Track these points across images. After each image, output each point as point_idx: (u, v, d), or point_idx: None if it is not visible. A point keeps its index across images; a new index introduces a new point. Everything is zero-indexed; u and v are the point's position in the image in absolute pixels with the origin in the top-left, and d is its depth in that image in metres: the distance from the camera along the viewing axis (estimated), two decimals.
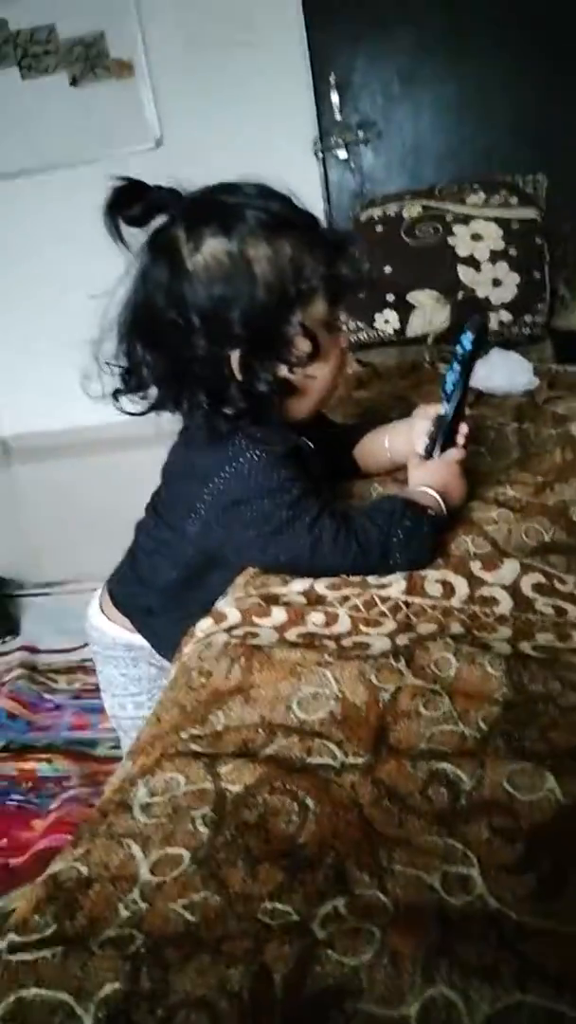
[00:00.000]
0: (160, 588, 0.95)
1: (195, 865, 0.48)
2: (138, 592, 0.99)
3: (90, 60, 2.37)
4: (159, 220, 0.78)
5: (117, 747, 1.59)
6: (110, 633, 1.04)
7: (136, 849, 0.50)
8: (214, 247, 0.75)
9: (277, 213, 0.77)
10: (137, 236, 0.78)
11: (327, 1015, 0.39)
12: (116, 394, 0.81)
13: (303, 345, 0.79)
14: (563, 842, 0.47)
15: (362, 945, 0.42)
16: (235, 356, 0.76)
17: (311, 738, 0.58)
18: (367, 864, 0.47)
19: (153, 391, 0.81)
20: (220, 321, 0.75)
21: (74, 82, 2.38)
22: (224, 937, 0.43)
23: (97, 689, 1.15)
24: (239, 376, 0.77)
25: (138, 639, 1.02)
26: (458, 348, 0.91)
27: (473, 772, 0.52)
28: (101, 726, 1.70)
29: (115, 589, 1.03)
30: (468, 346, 0.90)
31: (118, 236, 0.76)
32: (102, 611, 1.05)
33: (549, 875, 0.44)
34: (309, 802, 0.52)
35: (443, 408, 0.91)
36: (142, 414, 0.82)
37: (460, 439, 0.91)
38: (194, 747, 0.59)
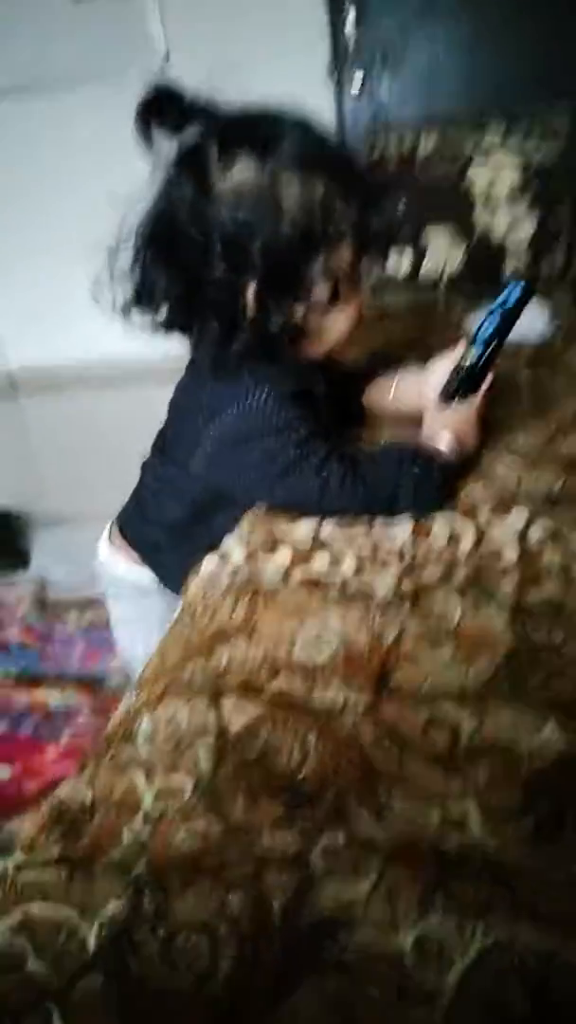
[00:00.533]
0: (167, 525, 0.95)
1: (197, 795, 0.49)
2: (145, 530, 1.00)
3: None
4: (191, 131, 0.75)
5: (126, 683, 1.62)
6: (118, 569, 1.05)
7: (140, 778, 0.51)
8: (245, 172, 0.73)
9: (315, 150, 0.74)
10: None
11: (322, 944, 0.40)
12: (126, 308, 0.80)
13: (321, 290, 0.77)
14: (562, 788, 0.47)
15: (359, 878, 0.43)
16: (250, 289, 0.75)
17: (314, 677, 0.58)
18: (366, 800, 0.48)
19: (163, 312, 0.79)
20: (240, 248, 0.73)
21: None
22: (224, 865, 0.44)
23: (108, 624, 1.16)
24: (252, 310, 0.76)
25: (146, 577, 1.03)
26: (501, 298, 0.89)
27: (474, 716, 0.53)
28: (112, 662, 1.72)
29: (124, 527, 1.04)
30: (515, 296, 0.88)
31: (148, 141, 0.74)
32: (111, 545, 1.06)
33: (545, 820, 0.45)
34: (310, 739, 0.52)
35: (472, 353, 0.88)
36: (150, 333, 0.81)
37: (483, 389, 0.89)
38: (198, 682, 0.59)
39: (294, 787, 0.49)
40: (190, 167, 0.75)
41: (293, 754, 0.52)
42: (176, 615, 0.73)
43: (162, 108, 0.74)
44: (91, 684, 1.69)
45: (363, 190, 0.77)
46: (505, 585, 0.68)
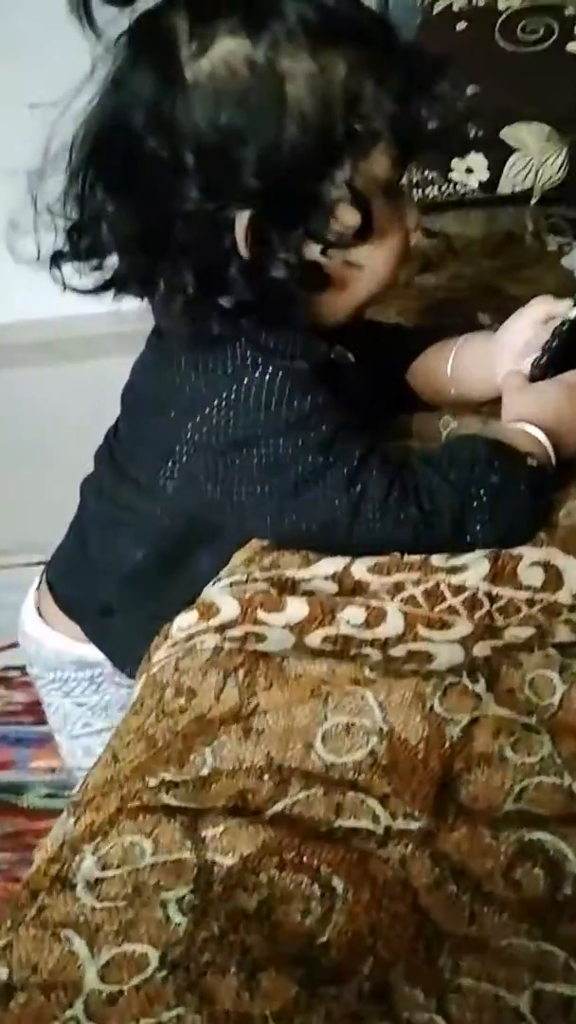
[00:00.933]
0: (121, 575, 0.95)
1: (166, 970, 0.49)
2: (89, 583, 1.00)
3: None
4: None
5: (55, 795, 1.62)
6: (51, 646, 1.05)
7: (79, 944, 0.51)
8: (229, 50, 0.73)
9: (334, 11, 0.75)
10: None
11: None
12: (56, 259, 0.80)
13: (349, 216, 0.77)
14: None
15: None
16: (242, 219, 0.75)
17: (342, 790, 0.58)
18: (422, 976, 0.47)
19: (113, 260, 0.80)
20: (225, 162, 0.73)
21: None
22: None
23: (25, 710, 1.17)
24: (245, 251, 0.76)
25: (94, 650, 1.03)
26: None
27: None
28: (32, 764, 1.72)
29: (57, 582, 1.04)
30: None
31: (87, 15, 0.74)
32: (39, 614, 1.06)
33: None
34: (337, 883, 0.52)
35: (574, 311, 0.89)
36: (92, 292, 0.82)
37: None
38: (167, 799, 0.59)
39: (313, 956, 0.49)
40: (148, 49, 0.75)
41: (311, 906, 0.51)
42: (133, 698, 0.73)
43: None
44: (1, 802, 1.69)
45: (406, 67, 0.78)
46: None
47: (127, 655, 0.93)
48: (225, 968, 0.48)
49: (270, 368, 0.78)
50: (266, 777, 0.60)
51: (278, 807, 0.58)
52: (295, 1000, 0.46)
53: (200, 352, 0.80)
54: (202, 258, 0.76)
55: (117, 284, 0.81)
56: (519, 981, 0.46)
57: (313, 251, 0.78)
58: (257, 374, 0.78)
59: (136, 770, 0.63)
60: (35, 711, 1.57)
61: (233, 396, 0.78)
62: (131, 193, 0.76)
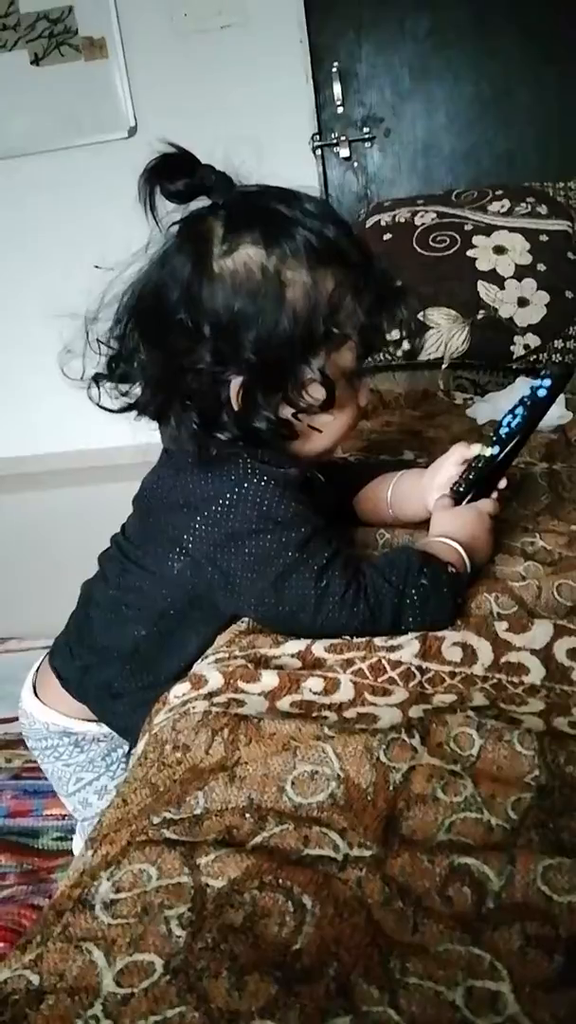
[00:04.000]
0: (123, 654, 0.94)
1: (169, 975, 0.48)
2: (93, 664, 0.97)
3: (55, 37, 2.45)
4: (197, 204, 0.81)
5: (65, 838, 1.57)
6: (42, 719, 1.03)
7: (98, 955, 0.50)
8: (249, 255, 0.78)
9: (330, 241, 0.79)
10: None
11: None
12: (97, 378, 0.83)
13: (317, 392, 0.81)
14: None
15: None
16: (237, 382, 0.79)
17: (308, 825, 0.58)
18: (376, 976, 0.47)
19: (137, 391, 0.83)
20: (231, 338, 0.77)
21: (36, 61, 2.46)
22: None
23: (36, 766, 1.13)
24: (236, 404, 0.79)
25: (78, 724, 1.02)
26: (528, 390, 0.94)
27: (502, 869, 0.52)
28: (46, 812, 1.67)
29: (61, 666, 1.01)
30: (543, 393, 0.92)
31: (150, 207, 0.79)
32: (35, 694, 1.04)
33: None
34: (306, 901, 0.52)
35: (489, 451, 0.92)
36: (118, 412, 0.84)
37: (496, 491, 0.93)
38: (168, 834, 0.59)
39: (288, 960, 0.48)
40: (191, 242, 0.80)
41: (286, 920, 0.51)
42: (138, 752, 0.72)
43: (172, 172, 0.79)
44: (19, 844, 1.63)
45: (377, 290, 0.82)
46: (530, 710, 0.69)
47: (130, 727, 0.92)
48: (218, 972, 0.47)
49: (265, 476, 0.80)
50: (248, 815, 0.59)
51: (258, 839, 0.57)
52: (275, 998, 0.45)
53: (206, 465, 0.82)
54: (204, 404, 0.79)
55: (139, 407, 0.83)
56: (454, 979, 0.46)
57: (286, 411, 0.82)
58: (255, 480, 0.80)
59: (142, 811, 0.62)
60: None
61: (235, 496, 0.80)
62: (158, 345, 0.80)
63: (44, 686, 1.03)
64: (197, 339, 0.78)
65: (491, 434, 0.94)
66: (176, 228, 0.81)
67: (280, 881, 0.53)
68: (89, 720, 1.01)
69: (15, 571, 2.38)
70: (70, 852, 1.49)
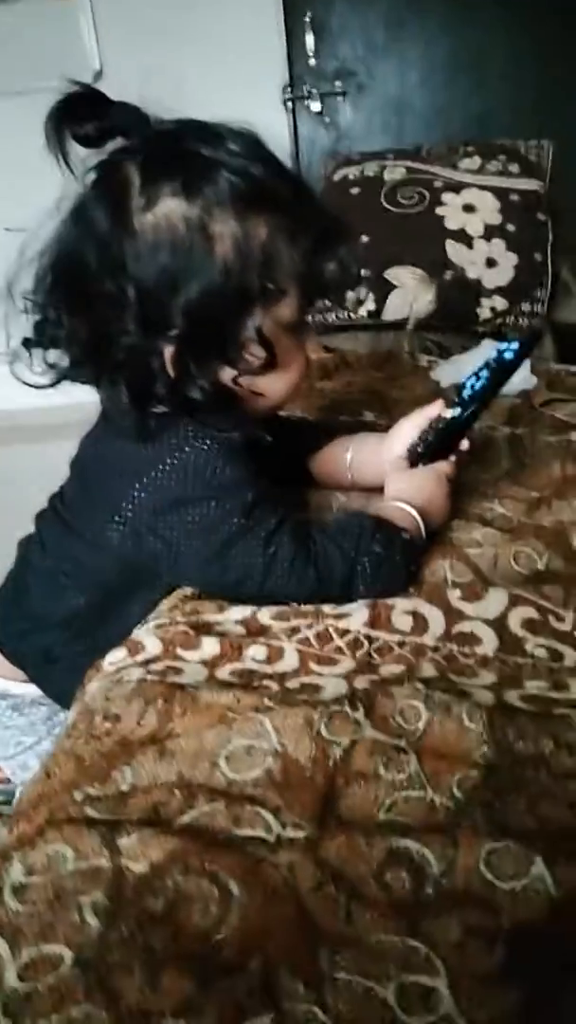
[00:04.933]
0: (61, 622, 0.89)
1: (78, 969, 0.44)
2: (30, 629, 0.93)
3: None
4: (113, 147, 0.74)
5: (7, 802, 1.52)
6: None
7: (1, 945, 0.45)
8: (171, 208, 0.71)
9: (259, 181, 0.72)
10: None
11: None
12: (26, 344, 0.77)
13: (257, 352, 0.75)
14: (553, 946, 0.43)
15: None
16: (168, 349, 0.73)
17: (240, 804, 0.54)
18: (304, 970, 0.43)
19: (66, 359, 0.77)
20: (159, 302, 0.71)
21: None
22: None
23: None
24: (170, 371, 0.74)
25: (16, 686, 0.97)
26: (494, 352, 0.90)
27: (443, 852, 0.49)
28: None
29: None
30: (510, 356, 0.88)
31: (61, 153, 0.72)
32: None
33: (535, 989, 0.41)
34: (233, 887, 0.48)
35: (450, 412, 0.88)
36: (48, 386, 0.78)
37: (454, 455, 0.88)
38: (90, 812, 0.54)
39: (209, 954, 0.44)
40: (106, 192, 0.73)
41: (209, 908, 0.47)
42: (69, 721, 0.68)
43: (81, 113, 0.72)
44: None
45: (316, 233, 0.76)
46: (481, 682, 0.65)
47: (68, 693, 0.87)
48: (131, 967, 0.43)
49: (207, 441, 0.75)
50: (176, 792, 0.55)
51: (185, 819, 0.53)
52: (190, 996, 0.42)
53: (144, 437, 0.76)
54: (135, 375, 0.74)
55: (69, 376, 0.78)
56: (386, 974, 0.42)
57: (225, 375, 0.76)
58: (196, 444, 0.75)
59: (64, 785, 0.58)
60: None
61: (175, 462, 0.75)
62: (82, 311, 0.73)
63: None
64: (121, 305, 0.71)
65: (453, 396, 0.90)
66: (91, 177, 0.74)
67: (206, 865, 0.49)
68: (28, 682, 0.97)
69: None
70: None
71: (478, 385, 0.88)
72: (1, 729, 1.00)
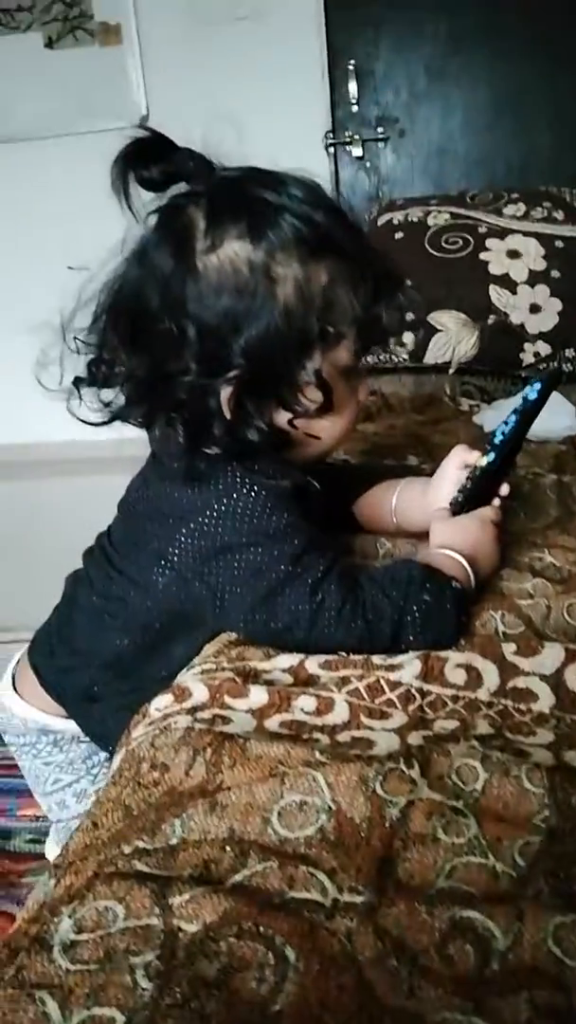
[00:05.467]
0: (104, 661, 0.89)
1: None
2: (73, 666, 0.93)
3: (71, 20, 2.40)
4: (178, 191, 0.75)
5: (39, 840, 1.51)
6: (20, 715, 0.98)
7: (52, 1006, 0.44)
8: (235, 250, 0.72)
9: (322, 229, 0.73)
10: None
11: None
12: (77, 383, 0.77)
13: (314, 395, 0.75)
14: None
15: None
16: (227, 390, 0.73)
17: (294, 864, 0.52)
18: None
19: (120, 400, 0.77)
20: (219, 342, 0.71)
21: (50, 44, 2.41)
22: None
23: (13, 763, 1.08)
24: (227, 413, 0.74)
25: (57, 721, 0.97)
26: (521, 397, 0.90)
27: (509, 924, 0.47)
28: (20, 813, 1.61)
29: (41, 663, 0.97)
30: (533, 396, 0.88)
31: (125, 196, 0.73)
32: (14, 688, 0.99)
33: None
34: (289, 953, 0.46)
35: (485, 459, 0.87)
36: (101, 424, 0.78)
37: (497, 499, 0.87)
38: (140, 866, 0.53)
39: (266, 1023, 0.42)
40: (170, 234, 0.74)
41: (265, 974, 0.45)
42: (114, 768, 0.67)
43: (147, 158, 0.73)
44: None
45: (374, 280, 0.76)
46: (539, 741, 0.64)
47: (108, 734, 0.86)
48: None
49: (255, 487, 0.75)
50: (228, 848, 0.53)
51: (238, 877, 0.51)
52: None
53: (193, 481, 0.76)
54: (192, 415, 0.74)
55: (122, 415, 0.78)
56: None
57: (282, 418, 0.76)
58: (244, 491, 0.74)
59: (113, 837, 0.56)
60: None
61: (223, 508, 0.74)
62: (140, 350, 0.74)
63: (23, 681, 0.98)
64: (182, 344, 0.72)
65: (486, 443, 0.89)
66: (154, 219, 0.75)
67: (260, 929, 0.47)
68: (69, 718, 0.96)
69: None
70: (43, 856, 1.43)
71: (508, 430, 0.88)
72: (41, 764, 0.99)
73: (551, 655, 0.72)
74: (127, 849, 0.55)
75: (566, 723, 0.66)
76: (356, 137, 2.40)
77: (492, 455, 0.88)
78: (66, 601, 0.95)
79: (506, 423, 0.89)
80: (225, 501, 0.75)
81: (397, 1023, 0.42)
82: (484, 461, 0.88)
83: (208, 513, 0.75)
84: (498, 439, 0.89)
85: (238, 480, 0.75)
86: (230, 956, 0.46)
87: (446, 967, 0.45)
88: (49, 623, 0.97)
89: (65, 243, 1.91)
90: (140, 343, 0.74)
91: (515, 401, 0.91)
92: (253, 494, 0.74)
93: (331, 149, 2.42)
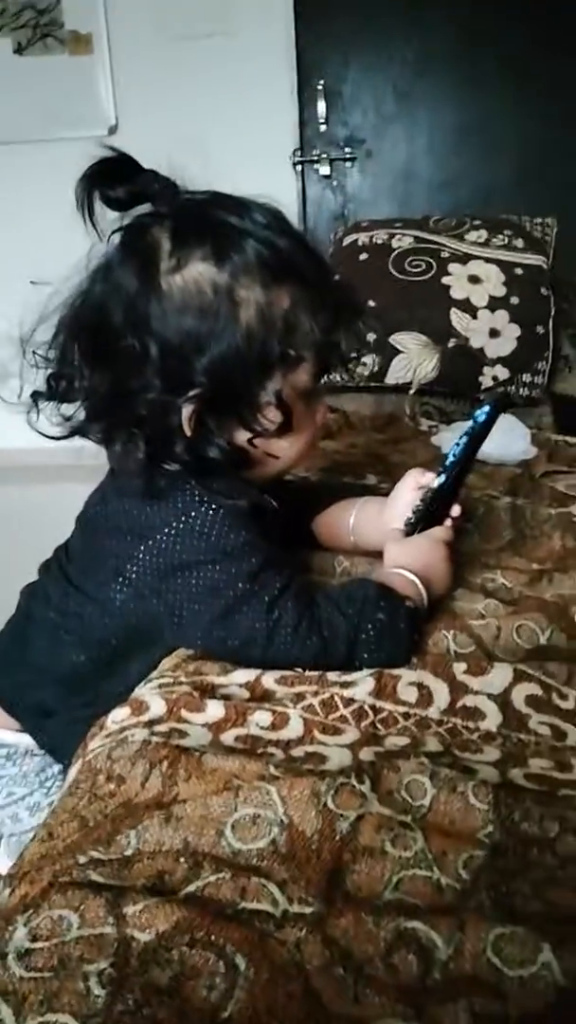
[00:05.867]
0: (60, 676, 0.89)
1: None
2: (28, 681, 0.93)
3: (40, 27, 2.41)
4: (141, 211, 0.77)
5: None
6: None
7: (6, 1012, 0.45)
8: (200, 271, 0.73)
9: (284, 254, 0.75)
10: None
11: None
12: (35, 397, 0.78)
13: (274, 415, 0.77)
14: None
15: None
16: (188, 408, 0.74)
17: (247, 875, 0.53)
18: None
19: (80, 415, 0.78)
20: (182, 360, 0.73)
21: (19, 50, 2.41)
22: None
23: None
24: (188, 430, 0.75)
25: (10, 735, 0.96)
26: (471, 421, 0.93)
27: (451, 935, 0.49)
28: None
29: None
30: (482, 418, 0.92)
31: (89, 214, 0.74)
32: None
33: None
34: (239, 962, 0.47)
35: (436, 480, 0.90)
36: (61, 438, 0.79)
37: (449, 519, 0.90)
38: (94, 876, 0.54)
39: None
40: (135, 253, 0.75)
41: (216, 983, 0.46)
42: (70, 779, 0.68)
43: (112, 178, 0.75)
44: None
45: (334, 306, 0.79)
46: (485, 759, 0.66)
47: (62, 747, 0.87)
48: None
49: (213, 505, 0.76)
50: (182, 860, 0.55)
51: (191, 888, 0.53)
52: None
53: (152, 497, 0.78)
54: (153, 432, 0.75)
55: (81, 431, 0.79)
56: None
57: (241, 437, 0.78)
58: (203, 509, 0.76)
59: (68, 847, 0.58)
60: None
61: (181, 526, 0.76)
62: (102, 367, 0.75)
63: None
64: (144, 361, 0.73)
65: (439, 465, 0.92)
66: (118, 237, 0.76)
67: (212, 938, 0.49)
68: (22, 731, 0.96)
69: None
70: None
71: (458, 451, 0.92)
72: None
73: (499, 675, 0.74)
74: (82, 859, 0.56)
75: (512, 741, 0.68)
76: (324, 156, 2.44)
77: (443, 476, 0.91)
78: (21, 615, 0.95)
79: (457, 444, 0.92)
80: (184, 519, 0.76)
81: None
82: (436, 483, 0.91)
83: (166, 531, 0.76)
84: (449, 460, 0.92)
85: (196, 498, 0.76)
86: (182, 964, 0.47)
87: (390, 976, 0.47)
88: (2, 636, 0.97)
89: (28, 252, 1.91)
90: (102, 359, 0.75)
91: (468, 424, 0.95)
92: (211, 512, 0.76)
93: (298, 167, 2.46)
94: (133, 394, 0.74)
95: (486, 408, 0.93)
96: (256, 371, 0.75)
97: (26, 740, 0.96)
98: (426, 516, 0.90)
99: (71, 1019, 0.44)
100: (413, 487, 0.93)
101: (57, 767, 0.99)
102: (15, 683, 0.94)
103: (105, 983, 0.46)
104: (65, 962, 0.48)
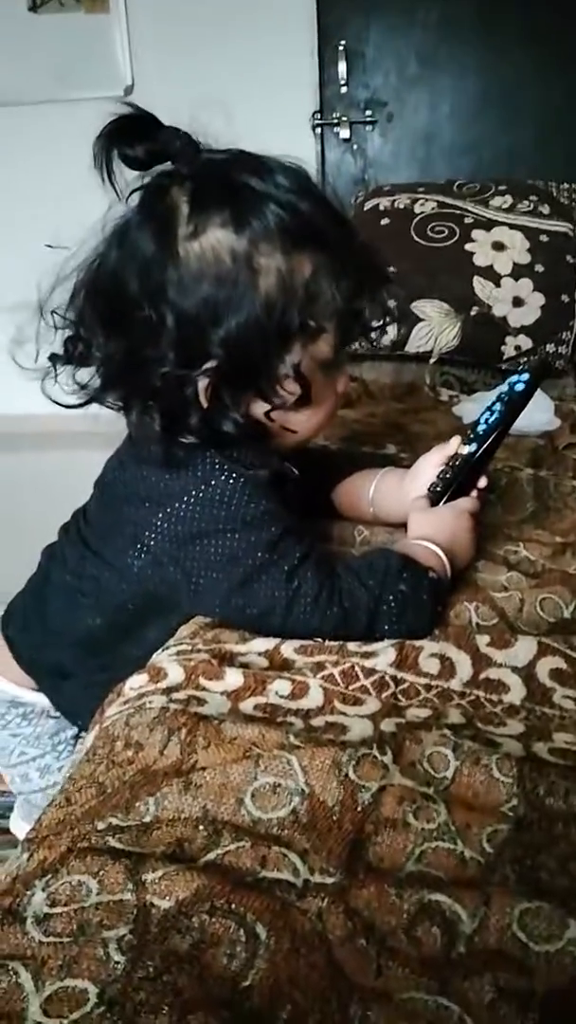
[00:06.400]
0: (76, 639, 0.89)
1: (104, 1006, 0.43)
2: (46, 643, 0.93)
3: None
4: (161, 171, 0.74)
5: (3, 815, 1.51)
6: None
7: (26, 977, 0.45)
8: (218, 238, 0.71)
9: (307, 219, 0.72)
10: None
11: None
12: (53, 360, 0.77)
13: (292, 388, 0.76)
14: None
15: None
16: (204, 380, 0.73)
17: (267, 844, 0.53)
18: (333, 1022, 0.42)
19: (95, 380, 0.77)
20: (198, 331, 0.71)
21: (34, 7, 2.37)
22: None
23: None
24: (204, 403, 0.74)
25: (28, 694, 0.97)
26: (506, 386, 0.90)
27: (476, 909, 0.48)
28: None
29: (14, 636, 0.97)
30: (520, 387, 0.89)
31: (107, 173, 0.72)
32: None
33: None
34: (260, 931, 0.47)
35: (467, 448, 0.88)
36: (77, 406, 0.78)
37: (476, 490, 0.88)
38: (113, 842, 0.54)
39: (238, 1000, 0.43)
40: (152, 216, 0.73)
41: (237, 951, 0.46)
42: (87, 746, 0.67)
43: (132, 136, 0.72)
44: None
45: (358, 273, 0.76)
46: (509, 732, 0.65)
47: (78, 710, 0.87)
48: (158, 1008, 0.42)
49: (233, 474, 0.75)
50: (201, 827, 0.55)
51: (211, 856, 0.53)
52: None
53: (171, 465, 0.76)
54: (168, 403, 0.73)
55: (98, 398, 0.77)
56: None
57: (258, 409, 0.77)
58: (223, 478, 0.75)
59: (87, 813, 0.57)
60: None
61: (200, 494, 0.75)
62: (116, 334, 0.74)
63: None
64: (159, 331, 0.71)
65: (469, 432, 0.90)
66: (136, 199, 0.74)
67: (232, 906, 0.48)
68: (40, 692, 0.96)
69: None
70: (6, 831, 1.43)
71: (492, 420, 0.89)
72: (8, 735, 1.00)
73: (523, 648, 0.74)
74: (101, 825, 0.55)
75: (535, 715, 0.67)
76: (344, 119, 2.39)
77: (474, 445, 0.88)
78: (40, 576, 0.95)
79: (491, 411, 0.89)
80: (203, 487, 0.75)
81: (365, 1002, 0.43)
82: (466, 450, 0.89)
83: (185, 499, 0.75)
84: (481, 428, 0.89)
85: (216, 467, 0.75)
86: (202, 932, 0.47)
87: (414, 948, 0.46)
88: (23, 595, 0.97)
89: (43, 215, 1.89)
90: (117, 326, 0.73)
91: (496, 393, 0.92)
92: (231, 481, 0.75)
93: (318, 129, 2.42)
94: (148, 364, 0.72)
95: (525, 376, 0.89)
96: (275, 342, 0.73)
97: (43, 700, 0.97)
98: (453, 485, 0.89)
99: (90, 984, 0.44)
100: (438, 464, 0.91)
101: (71, 731, 0.99)
102: (34, 643, 0.94)
103: (125, 949, 0.46)
104: (84, 928, 0.47)
